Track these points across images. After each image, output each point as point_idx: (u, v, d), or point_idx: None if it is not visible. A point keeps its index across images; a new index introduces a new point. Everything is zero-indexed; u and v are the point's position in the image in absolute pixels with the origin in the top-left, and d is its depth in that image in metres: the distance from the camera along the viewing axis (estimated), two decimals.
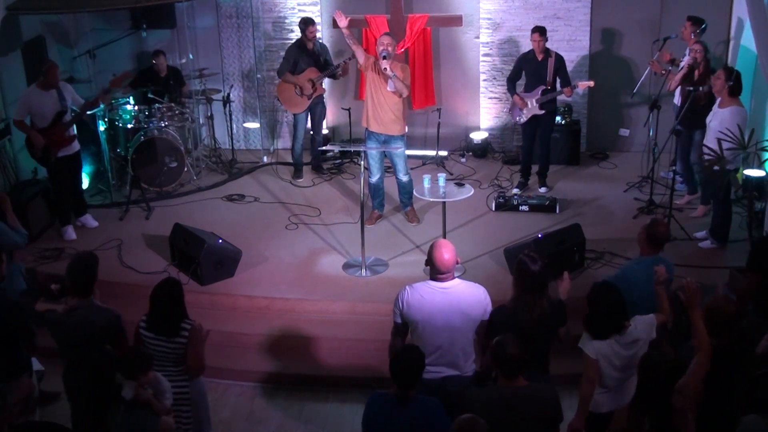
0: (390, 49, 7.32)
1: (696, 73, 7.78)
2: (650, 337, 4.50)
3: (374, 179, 7.87)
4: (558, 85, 8.35)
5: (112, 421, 4.12)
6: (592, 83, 8.51)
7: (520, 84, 8.56)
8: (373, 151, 7.62)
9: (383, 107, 7.48)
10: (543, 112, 8.39)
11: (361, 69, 7.76)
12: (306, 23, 8.91)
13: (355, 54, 7.63)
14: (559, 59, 8.32)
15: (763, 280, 4.95)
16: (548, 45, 8.39)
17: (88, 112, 8.25)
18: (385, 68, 7.25)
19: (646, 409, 3.83)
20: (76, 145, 7.90)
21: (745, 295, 5.10)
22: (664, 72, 8.17)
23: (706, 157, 7.04)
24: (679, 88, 8.10)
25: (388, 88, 7.40)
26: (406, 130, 7.84)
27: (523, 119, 8.51)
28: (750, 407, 3.88)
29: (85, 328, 4.73)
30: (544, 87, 8.32)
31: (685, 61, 8.04)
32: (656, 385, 3.79)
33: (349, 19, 7.53)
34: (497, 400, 3.98)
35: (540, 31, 8.22)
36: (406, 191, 7.91)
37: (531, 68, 8.41)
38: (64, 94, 7.67)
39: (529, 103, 8.39)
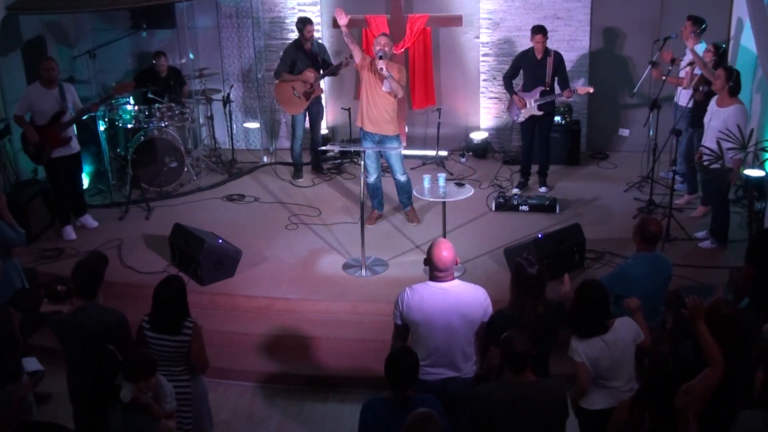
0: (387, 49, 7.33)
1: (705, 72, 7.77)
2: (638, 338, 4.50)
3: (371, 179, 7.86)
4: (557, 86, 8.34)
5: (111, 423, 4.10)
6: (591, 89, 8.47)
7: (518, 83, 8.57)
8: (369, 150, 7.62)
9: (378, 107, 7.49)
10: (541, 113, 8.39)
11: (357, 68, 7.76)
12: (303, 23, 8.89)
13: (351, 53, 7.64)
14: (558, 58, 8.31)
15: (759, 271, 5.01)
16: (548, 45, 8.39)
17: (84, 117, 8.25)
18: (381, 68, 7.25)
19: (647, 405, 3.84)
20: (74, 147, 7.87)
21: (742, 290, 5.13)
22: (664, 77, 8.16)
23: (706, 157, 7.04)
24: (682, 88, 8.10)
25: (384, 89, 7.40)
26: (407, 129, 7.84)
27: (521, 119, 8.50)
28: (748, 403, 3.89)
29: (91, 328, 4.73)
30: (543, 88, 8.31)
31: (686, 60, 8.05)
32: (662, 382, 3.80)
33: (349, 18, 7.53)
34: (506, 395, 3.99)
35: (543, 32, 8.21)
36: (404, 191, 7.91)
37: (530, 67, 8.40)
38: (66, 95, 7.67)
39: (527, 103, 8.39)
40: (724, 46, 8.11)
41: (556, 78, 8.33)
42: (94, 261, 5.01)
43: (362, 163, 7.04)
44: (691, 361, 4.20)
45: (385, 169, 8.20)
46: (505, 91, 8.82)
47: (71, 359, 4.90)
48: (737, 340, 4.16)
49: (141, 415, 4.17)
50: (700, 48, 7.89)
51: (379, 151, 7.72)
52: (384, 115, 7.51)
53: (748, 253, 5.28)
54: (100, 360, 4.10)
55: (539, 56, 8.28)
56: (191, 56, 9.66)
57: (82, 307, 4.80)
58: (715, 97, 7.16)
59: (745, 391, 4.06)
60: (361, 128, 7.66)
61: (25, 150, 7.76)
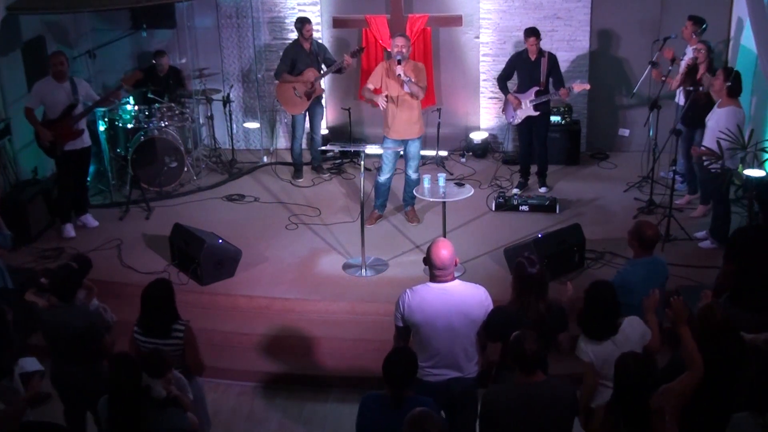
0: (404, 50, 7.34)
1: (699, 71, 7.78)
2: (643, 341, 4.49)
3: (383, 178, 7.86)
4: (551, 86, 8.34)
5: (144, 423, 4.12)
6: (587, 86, 8.47)
7: (512, 83, 8.56)
8: (389, 150, 7.63)
9: (403, 110, 7.51)
10: (537, 113, 8.38)
11: (379, 90, 7.62)
12: (302, 22, 8.88)
13: (376, 98, 7.57)
14: (552, 59, 8.31)
15: (738, 268, 5.07)
16: (548, 45, 8.39)
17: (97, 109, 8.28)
18: (399, 74, 7.25)
19: (621, 411, 3.83)
20: (85, 141, 7.91)
21: (723, 287, 5.17)
22: (664, 78, 8.17)
23: (705, 156, 7.05)
24: (681, 87, 8.10)
25: (404, 89, 7.40)
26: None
27: (517, 120, 8.50)
28: (741, 405, 3.88)
29: (62, 329, 4.74)
30: (538, 88, 8.31)
31: (686, 60, 8.05)
32: (630, 385, 3.79)
33: (385, 95, 7.50)
34: (518, 397, 3.99)
35: (536, 34, 8.20)
36: (411, 188, 7.90)
37: (524, 68, 8.39)
38: (77, 88, 7.71)
39: (523, 103, 8.38)
40: (710, 42, 8.13)
41: (550, 79, 8.33)
42: (69, 268, 5.02)
43: (362, 162, 7.02)
44: (682, 365, 4.17)
45: (398, 169, 8.19)
46: None
47: (52, 355, 4.92)
48: (733, 345, 4.14)
49: (171, 409, 4.22)
50: (690, 49, 7.94)
51: (398, 152, 7.72)
52: (411, 116, 7.55)
53: (727, 252, 5.38)
54: (119, 370, 4.09)
55: (533, 57, 8.28)
56: (191, 56, 9.65)
57: (56, 306, 4.81)
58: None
59: (748, 395, 4.05)
60: (384, 136, 7.66)
61: (39, 144, 7.78)
